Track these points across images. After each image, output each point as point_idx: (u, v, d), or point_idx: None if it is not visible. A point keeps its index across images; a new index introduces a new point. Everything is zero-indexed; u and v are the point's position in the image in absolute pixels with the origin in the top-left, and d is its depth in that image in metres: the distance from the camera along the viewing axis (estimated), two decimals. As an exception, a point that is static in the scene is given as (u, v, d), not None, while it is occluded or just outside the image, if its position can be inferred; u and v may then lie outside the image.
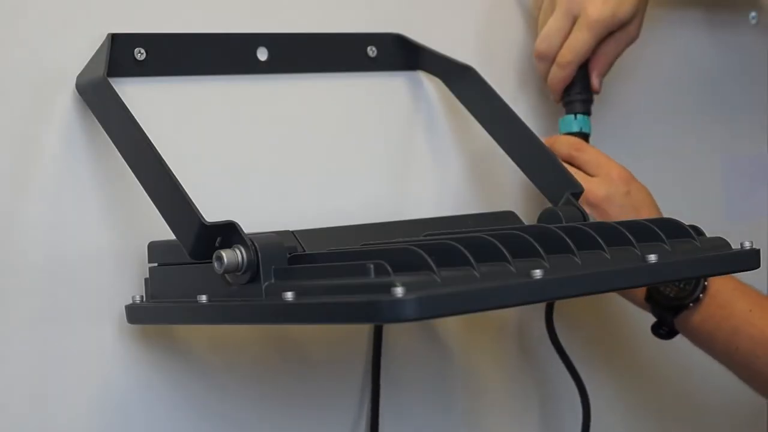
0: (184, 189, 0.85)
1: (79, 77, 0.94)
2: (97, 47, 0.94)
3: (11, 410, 0.92)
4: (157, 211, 0.87)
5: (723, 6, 1.38)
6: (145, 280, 0.94)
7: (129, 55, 0.96)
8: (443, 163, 1.14)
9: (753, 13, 1.40)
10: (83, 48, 0.94)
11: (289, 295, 0.79)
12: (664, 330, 1.14)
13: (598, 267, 0.84)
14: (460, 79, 1.10)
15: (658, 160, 1.31)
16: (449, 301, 0.75)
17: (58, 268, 0.93)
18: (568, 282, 0.81)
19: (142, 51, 0.96)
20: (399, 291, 0.72)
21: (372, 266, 0.76)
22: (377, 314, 0.74)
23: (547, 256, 0.81)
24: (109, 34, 0.94)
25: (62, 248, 0.93)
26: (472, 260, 0.78)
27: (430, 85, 1.13)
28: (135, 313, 0.93)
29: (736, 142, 1.40)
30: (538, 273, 0.78)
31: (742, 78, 1.38)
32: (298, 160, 1.05)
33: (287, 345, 1.05)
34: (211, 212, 0.86)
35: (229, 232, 0.83)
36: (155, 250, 0.93)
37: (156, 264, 0.93)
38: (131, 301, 0.93)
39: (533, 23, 1.19)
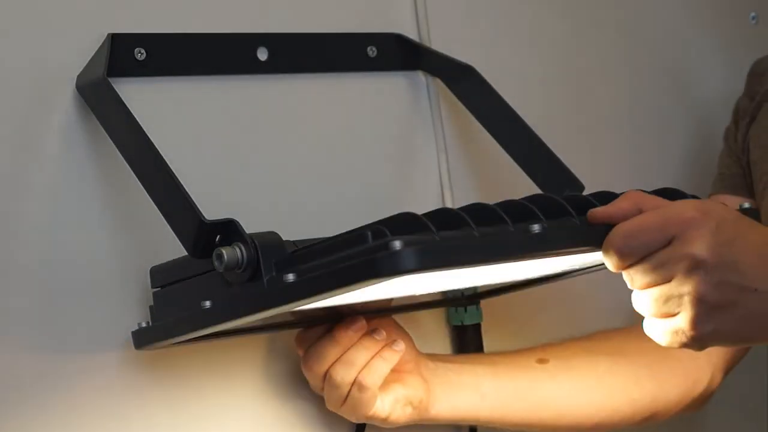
0: (184, 188, 0.85)
1: (79, 77, 0.94)
2: (97, 47, 0.94)
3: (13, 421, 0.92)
4: (158, 211, 0.87)
5: (723, 6, 1.38)
6: (150, 307, 0.92)
7: (129, 55, 0.96)
8: (443, 163, 1.14)
9: (753, 13, 1.40)
10: (83, 48, 0.94)
11: (290, 276, 0.79)
12: None
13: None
14: (461, 79, 1.10)
15: (658, 160, 1.31)
16: (448, 253, 0.75)
17: (58, 269, 0.93)
18: (567, 236, 0.81)
19: (142, 51, 0.97)
20: (397, 244, 0.73)
21: (369, 233, 0.76)
22: (377, 270, 0.74)
23: (547, 220, 0.81)
24: (109, 34, 0.95)
25: (62, 249, 0.93)
26: (471, 222, 0.78)
27: (430, 85, 1.13)
28: (141, 337, 0.91)
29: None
30: (536, 227, 0.78)
31: (743, 78, 1.38)
32: (297, 160, 1.05)
33: (287, 348, 1.05)
34: (211, 211, 0.86)
35: (228, 230, 0.84)
36: (157, 273, 0.92)
37: (159, 287, 0.91)
38: (136, 327, 0.91)
39: (534, 23, 1.19)
